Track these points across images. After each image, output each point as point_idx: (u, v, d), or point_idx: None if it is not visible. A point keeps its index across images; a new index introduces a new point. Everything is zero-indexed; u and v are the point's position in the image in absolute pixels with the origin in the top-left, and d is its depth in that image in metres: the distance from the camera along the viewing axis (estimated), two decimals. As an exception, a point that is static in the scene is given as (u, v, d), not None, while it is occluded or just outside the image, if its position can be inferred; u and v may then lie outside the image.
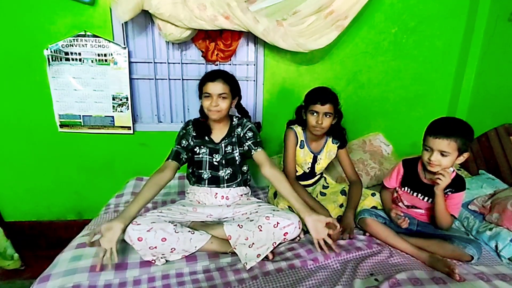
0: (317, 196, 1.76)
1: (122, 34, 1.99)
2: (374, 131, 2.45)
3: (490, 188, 1.76)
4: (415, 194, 1.51)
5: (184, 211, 1.49)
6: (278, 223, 1.37)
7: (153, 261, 1.30)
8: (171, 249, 1.29)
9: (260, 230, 1.36)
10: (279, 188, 1.47)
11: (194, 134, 1.58)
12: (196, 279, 1.23)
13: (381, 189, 1.67)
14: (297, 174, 1.76)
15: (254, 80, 2.24)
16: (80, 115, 2.07)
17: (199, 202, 1.60)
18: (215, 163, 1.58)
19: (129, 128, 2.13)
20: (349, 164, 1.79)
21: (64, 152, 2.15)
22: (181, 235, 1.30)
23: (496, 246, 1.43)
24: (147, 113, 2.23)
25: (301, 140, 1.72)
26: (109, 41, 1.96)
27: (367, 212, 1.53)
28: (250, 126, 1.60)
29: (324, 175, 1.91)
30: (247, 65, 2.23)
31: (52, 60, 1.94)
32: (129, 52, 2.01)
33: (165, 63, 2.13)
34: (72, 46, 1.94)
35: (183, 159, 1.53)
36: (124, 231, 1.24)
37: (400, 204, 1.58)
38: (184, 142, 1.55)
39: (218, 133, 1.60)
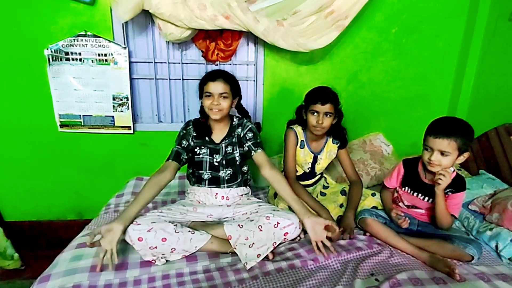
0: (317, 196, 1.76)
1: (122, 34, 1.99)
2: (375, 131, 2.45)
3: (491, 188, 1.76)
4: (415, 194, 1.51)
5: (184, 211, 1.49)
6: (278, 223, 1.37)
7: (153, 261, 1.29)
8: (171, 249, 1.29)
9: (261, 230, 1.36)
10: (279, 189, 1.47)
11: (195, 134, 1.58)
12: (196, 279, 1.23)
13: (382, 189, 1.67)
14: (297, 174, 1.76)
15: (254, 80, 2.24)
16: (80, 115, 2.07)
17: (199, 202, 1.60)
18: (216, 164, 1.58)
19: (129, 128, 2.13)
20: (350, 164, 1.78)
21: (64, 152, 2.15)
22: (181, 235, 1.30)
23: (497, 246, 1.43)
24: (147, 113, 2.23)
25: (301, 140, 1.72)
26: (110, 41, 1.96)
27: (368, 212, 1.53)
28: (250, 126, 1.60)
29: (324, 175, 1.91)
30: (247, 65, 2.23)
31: (53, 60, 1.94)
32: (129, 52, 2.01)
33: (166, 63, 2.13)
34: (73, 46, 1.94)
35: (184, 159, 1.53)
36: (124, 232, 1.24)
37: (400, 204, 1.58)
38: (184, 142, 1.55)
39: (219, 133, 1.60)
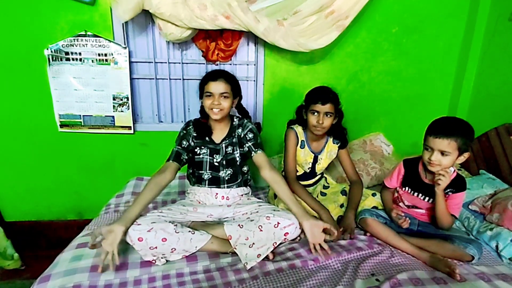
0: (317, 196, 1.76)
1: (122, 34, 1.99)
2: (375, 131, 2.45)
3: (491, 188, 1.76)
4: (415, 194, 1.50)
5: (185, 211, 1.49)
6: (278, 223, 1.37)
7: (154, 261, 1.29)
8: (172, 249, 1.29)
9: (261, 230, 1.35)
10: (278, 191, 1.47)
11: (195, 134, 1.57)
12: (196, 279, 1.23)
13: (382, 189, 1.67)
14: (298, 174, 1.76)
15: (254, 80, 2.24)
16: (80, 115, 2.07)
17: (199, 202, 1.60)
18: (216, 164, 1.58)
19: (129, 128, 2.13)
20: (350, 164, 1.78)
21: (64, 152, 2.15)
22: (182, 235, 1.30)
23: (497, 246, 1.43)
24: (147, 113, 2.23)
25: (302, 140, 1.72)
26: (110, 41, 1.96)
27: (368, 212, 1.53)
28: (250, 127, 1.59)
29: (325, 175, 1.91)
30: (248, 65, 2.23)
31: (53, 60, 1.94)
32: (129, 52, 2.01)
33: (166, 63, 2.13)
34: (73, 46, 1.93)
35: (184, 160, 1.52)
36: (125, 233, 1.24)
37: (400, 204, 1.58)
38: (184, 142, 1.55)
39: (219, 133, 1.60)
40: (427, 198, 1.47)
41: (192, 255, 1.35)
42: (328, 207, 1.61)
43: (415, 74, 2.34)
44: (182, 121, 2.25)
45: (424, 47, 2.28)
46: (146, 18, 2.02)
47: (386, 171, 2.10)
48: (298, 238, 1.45)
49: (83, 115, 2.07)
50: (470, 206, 1.69)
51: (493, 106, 2.12)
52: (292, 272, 1.24)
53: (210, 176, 1.58)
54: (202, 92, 1.52)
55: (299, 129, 1.72)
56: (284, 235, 1.38)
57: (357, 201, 1.64)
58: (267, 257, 1.32)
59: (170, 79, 2.17)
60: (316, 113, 1.60)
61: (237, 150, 1.59)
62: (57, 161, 2.16)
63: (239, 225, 1.39)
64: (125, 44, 2.00)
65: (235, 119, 1.63)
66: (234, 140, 1.60)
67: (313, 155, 1.74)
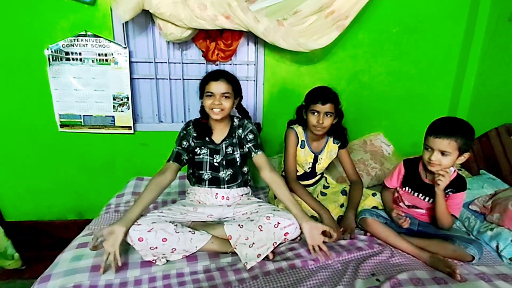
0: (317, 196, 1.76)
1: (122, 34, 1.99)
2: (375, 131, 2.45)
3: (491, 188, 1.76)
4: (416, 194, 1.50)
5: (185, 211, 1.49)
6: (278, 223, 1.37)
7: (154, 261, 1.29)
8: (172, 249, 1.29)
9: (261, 230, 1.35)
10: (278, 192, 1.47)
11: (195, 134, 1.57)
12: (196, 279, 1.23)
13: (382, 189, 1.66)
14: (298, 174, 1.76)
15: (254, 80, 2.24)
16: (80, 115, 2.07)
17: (199, 202, 1.60)
18: (216, 164, 1.58)
19: (129, 128, 2.13)
20: (350, 164, 1.78)
21: (64, 152, 2.15)
22: (182, 235, 1.30)
23: (497, 246, 1.42)
24: (147, 113, 2.23)
25: (302, 140, 1.72)
26: (110, 41, 1.96)
27: (368, 212, 1.53)
28: (251, 128, 1.59)
29: (325, 175, 1.91)
30: (248, 65, 2.23)
31: (53, 60, 1.94)
32: (129, 52, 2.01)
33: (166, 63, 2.13)
34: (73, 46, 1.94)
35: (184, 160, 1.52)
36: (126, 234, 1.24)
37: (401, 204, 1.58)
38: (184, 143, 1.55)
39: (219, 133, 1.59)
40: (427, 198, 1.47)
41: (192, 255, 1.35)
42: (328, 207, 1.61)
43: (415, 74, 2.34)
44: (182, 121, 2.25)
45: (425, 47, 2.28)
46: (146, 18, 2.02)
47: (386, 171, 2.10)
48: (298, 238, 1.45)
49: (83, 115, 2.07)
50: (470, 206, 1.69)
51: (494, 106, 2.12)
52: (292, 272, 1.24)
53: (210, 177, 1.58)
54: (203, 92, 1.51)
55: (299, 129, 1.72)
56: (284, 235, 1.38)
57: (357, 201, 1.64)
58: (267, 257, 1.32)
59: (170, 79, 2.17)
60: (316, 113, 1.60)
61: (237, 151, 1.59)
62: (57, 161, 2.16)
63: (239, 225, 1.39)
64: (125, 44, 2.00)
65: (235, 120, 1.63)
66: (234, 140, 1.59)
67: (313, 155, 1.74)
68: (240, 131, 1.60)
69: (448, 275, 1.24)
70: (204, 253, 1.37)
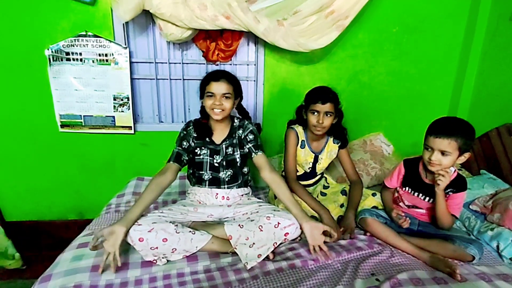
0: (317, 196, 1.76)
1: (123, 34, 1.99)
2: (375, 131, 2.45)
3: (492, 188, 1.76)
4: (416, 194, 1.50)
5: (185, 211, 1.49)
6: (279, 223, 1.37)
7: (155, 261, 1.30)
8: (172, 249, 1.29)
9: (261, 230, 1.36)
10: (278, 192, 1.47)
11: (195, 135, 1.57)
12: (197, 279, 1.23)
13: (382, 189, 1.66)
14: (298, 174, 1.76)
15: (254, 80, 2.24)
16: (81, 115, 2.07)
17: (200, 202, 1.60)
18: (216, 164, 1.58)
19: (130, 128, 2.13)
20: (350, 164, 1.78)
21: (65, 152, 2.15)
22: (182, 236, 1.30)
23: (498, 246, 1.42)
24: (148, 113, 2.23)
25: (302, 140, 1.72)
26: (110, 41, 1.96)
27: (368, 212, 1.53)
28: (251, 128, 1.59)
29: (325, 175, 1.91)
30: (248, 65, 2.23)
31: (53, 60, 1.94)
32: (130, 52, 2.01)
33: (166, 63, 2.14)
34: (73, 46, 1.94)
35: (184, 160, 1.52)
36: (126, 234, 1.24)
37: (401, 204, 1.58)
38: (185, 143, 1.55)
39: (219, 134, 1.59)
40: (427, 198, 1.47)
41: (192, 255, 1.35)
42: (328, 207, 1.61)
43: (415, 74, 2.34)
44: (182, 121, 2.25)
45: (425, 47, 2.28)
46: (146, 18, 2.02)
47: (386, 171, 2.10)
48: (298, 238, 1.45)
49: (84, 115, 2.07)
50: (470, 206, 1.69)
51: (494, 106, 2.12)
52: (292, 272, 1.24)
53: (210, 177, 1.58)
54: (203, 92, 1.51)
55: (299, 129, 1.72)
56: (284, 235, 1.38)
57: (357, 201, 1.64)
58: (267, 257, 1.32)
59: (170, 79, 2.17)
60: (316, 113, 1.60)
61: (237, 151, 1.59)
62: (57, 161, 2.17)
63: (239, 225, 1.39)
64: (125, 44, 2.00)
65: (235, 120, 1.63)
66: (234, 141, 1.59)
67: (314, 155, 1.74)
68: (241, 131, 1.60)
69: (448, 275, 1.24)
70: (204, 253, 1.37)
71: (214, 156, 1.58)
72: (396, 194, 1.61)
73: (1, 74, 1.96)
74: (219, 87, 1.47)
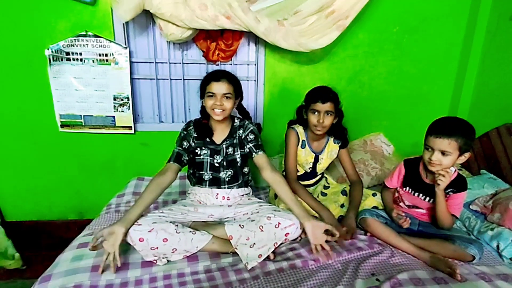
0: (318, 196, 1.76)
1: (123, 34, 1.99)
2: (376, 131, 2.45)
3: (492, 188, 1.76)
4: (416, 194, 1.50)
5: (185, 211, 1.49)
6: (279, 223, 1.37)
7: (155, 261, 1.30)
8: (173, 249, 1.29)
9: (262, 230, 1.35)
10: (279, 192, 1.47)
11: (195, 135, 1.57)
12: (197, 279, 1.23)
13: (382, 189, 1.66)
14: (299, 174, 1.76)
15: (255, 80, 2.24)
16: (81, 115, 2.07)
17: (200, 202, 1.60)
18: (216, 165, 1.58)
19: (130, 128, 2.13)
20: (350, 164, 1.78)
21: (65, 152, 2.15)
22: (182, 236, 1.30)
23: (498, 246, 1.42)
24: (148, 113, 2.23)
25: (303, 140, 1.72)
26: (110, 41, 1.96)
27: (368, 212, 1.53)
28: (252, 128, 1.59)
29: (325, 175, 1.91)
30: (248, 65, 2.23)
31: (53, 60, 1.94)
32: (130, 52, 2.01)
33: (166, 63, 2.13)
34: (73, 46, 1.94)
35: (185, 160, 1.52)
36: (126, 234, 1.24)
37: (401, 204, 1.58)
38: (185, 143, 1.55)
39: (220, 134, 1.59)
40: (427, 198, 1.47)
41: (193, 255, 1.35)
42: (329, 207, 1.61)
43: (415, 74, 2.34)
44: (182, 121, 2.25)
45: (425, 47, 2.28)
46: (146, 18, 2.02)
47: (387, 171, 2.10)
48: (299, 238, 1.45)
49: (84, 115, 2.07)
50: (471, 206, 1.69)
51: (494, 106, 2.12)
52: (293, 272, 1.24)
53: (211, 177, 1.58)
54: (204, 92, 1.51)
55: (300, 129, 1.72)
56: (285, 235, 1.38)
57: (358, 201, 1.64)
58: (268, 257, 1.32)
59: (170, 79, 2.17)
60: (316, 112, 1.60)
61: (237, 151, 1.59)
62: (58, 161, 2.17)
63: (240, 225, 1.39)
64: (125, 44, 2.00)
65: (236, 120, 1.63)
66: (235, 141, 1.59)
67: (314, 155, 1.74)
68: (241, 131, 1.60)
69: (448, 275, 1.24)
70: (205, 253, 1.37)
71: (215, 156, 1.58)
72: (397, 194, 1.61)
73: (1, 74, 1.96)
74: (219, 87, 1.47)
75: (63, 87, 2.00)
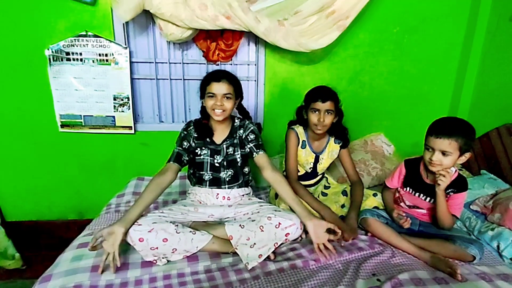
0: (318, 197, 1.76)
1: (123, 34, 1.99)
2: (376, 131, 2.45)
3: (492, 188, 1.76)
4: (417, 194, 1.50)
5: (186, 211, 1.48)
6: (280, 223, 1.37)
7: (155, 261, 1.29)
8: (173, 249, 1.29)
9: (262, 231, 1.35)
10: (280, 191, 1.47)
11: (196, 135, 1.57)
12: (197, 279, 1.23)
13: (383, 189, 1.66)
14: (299, 174, 1.76)
15: (255, 80, 2.24)
16: (81, 115, 2.07)
17: (200, 202, 1.60)
18: (216, 165, 1.58)
19: (130, 128, 2.13)
20: (351, 164, 1.78)
21: (65, 152, 2.15)
22: (183, 236, 1.30)
23: (498, 246, 1.42)
24: (148, 113, 2.23)
25: (303, 140, 1.72)
26: (110, 41, 1.96)
27: (369, 212, 1.53)
28: (252, 128, 1.59)
29: (326, 175, 1.91)
30: (248, 65, 2.23)
31: (53, 60, 1.94)
32: (130, 52, 2.01)
33: (166, 63, 2.13)
34: (73, 46, 1.94)
35: (185, 161, 1.52)
36: (126, 234, 1.24)
37: (402, 204, 1.58)
38: (185, 143, 1.54)
39: (220, 134, 1.59)
40: (428, 198, 1.47)
41: (193, 255, 1.35)
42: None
43: (416, 74, 2.34)
44: (182, 121, 2.25)
45: (425, 47, 2.28)
46: (146, 18, 2.02)
47: (387, 171, 2.10)
48: (299, 238, 1.45)
49: (84, 115, 2.07)
50: (471, 206, 1.69)
51: (494, 106, 2.12)
52: (293, 272, 1.24)
53: (211, 177, 1.58)
54: (204, 92, 1.51)
55: (300, 129, 1.72)
56: (285, 235, 1.38)
57: (359, 201, 1.64)
58: (268, 257, 1.32)
59: (170, 79, 2.17)
60: (316, 111, 1.60)
61: (238, 151, 1.59)
62: (58, 161, 2.16)
63: (240, 225, 1.39)
64: (125, 44, 2.00)
65: (236, 120, 1.63)
66: (235, 141, 1.59)
67: (314, 155, 1.74)
68: (241, 131, 1.60)
69: (449, 275, 1.24)
70: (205, 253, 1.37)
71: (215, 156, 1.58)
72: (397, 194, 1.61)
73: (1, 74, 1.96)
74: (220, 88, 1.46)
75: (63, 87, 2.00)
